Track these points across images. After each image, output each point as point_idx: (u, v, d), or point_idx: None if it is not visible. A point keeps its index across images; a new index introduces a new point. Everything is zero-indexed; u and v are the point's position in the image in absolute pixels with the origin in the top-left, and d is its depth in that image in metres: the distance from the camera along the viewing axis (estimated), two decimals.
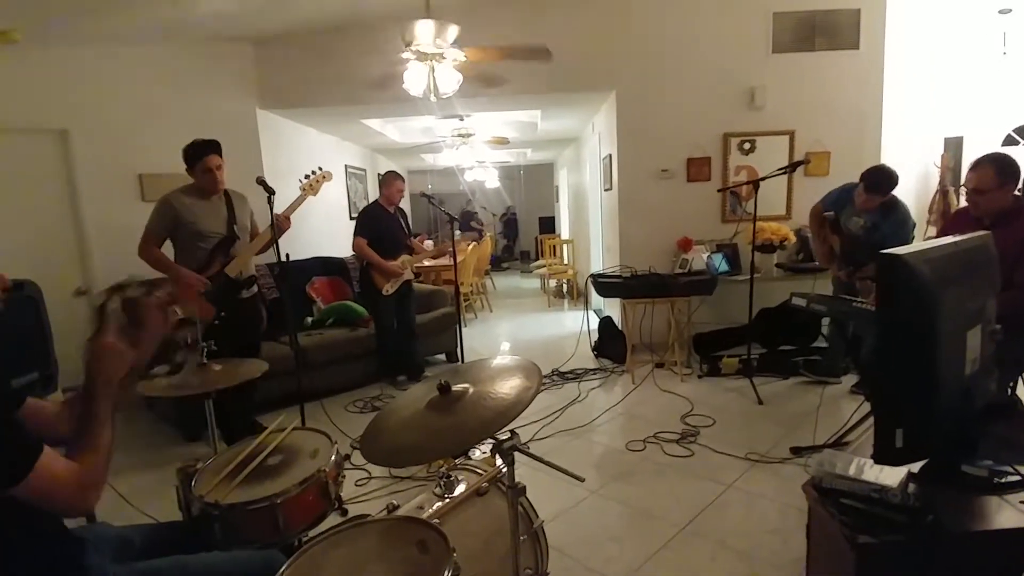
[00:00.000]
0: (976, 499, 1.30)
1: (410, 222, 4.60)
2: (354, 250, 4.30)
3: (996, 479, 1.32)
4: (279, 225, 3.16)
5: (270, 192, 2.99)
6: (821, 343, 4.43)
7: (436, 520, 1.41)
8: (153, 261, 3.21)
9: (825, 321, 4.12)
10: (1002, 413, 1.53)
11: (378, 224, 4.25)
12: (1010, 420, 1.51)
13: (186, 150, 3.20)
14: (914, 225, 3.73)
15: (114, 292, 1.26)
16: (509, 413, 1.31)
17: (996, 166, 2.49)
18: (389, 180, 4.46)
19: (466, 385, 1.46)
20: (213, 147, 3.21)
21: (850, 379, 4.08)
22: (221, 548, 1.51)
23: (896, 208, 3.58)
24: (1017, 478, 1.30)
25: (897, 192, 3.57)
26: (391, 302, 4.47)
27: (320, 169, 3.52)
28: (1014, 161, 2.54)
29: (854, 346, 3.38)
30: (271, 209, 3.01)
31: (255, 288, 3.47)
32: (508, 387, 1.42)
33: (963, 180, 3.55)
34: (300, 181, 3.45)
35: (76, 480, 1.06)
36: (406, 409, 1.50)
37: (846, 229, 3.75)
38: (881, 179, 3.47)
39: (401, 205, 4.68)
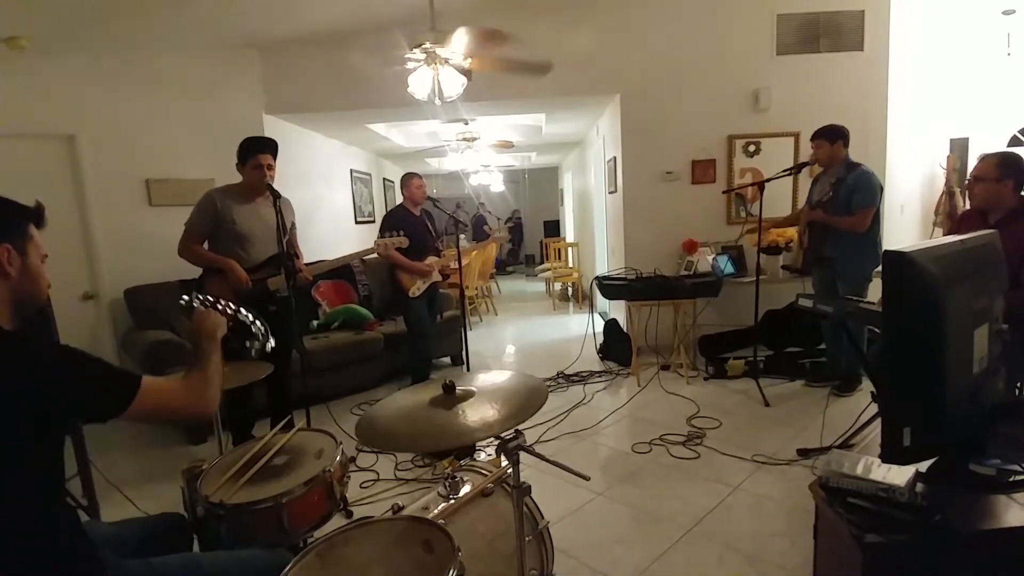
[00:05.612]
0: (984, 498, 1.29)
1: (437, 225, 4.55)
2: (379, 253, 4.26)
3: (1004, 478, 1.31)
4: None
5: (276, 196, 3.00)
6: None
7: (441, 520, 1.41)
8: (196, 258, 3.13)
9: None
10: (1010, 412, 1.52)
11: (402, 225, 4.21)
12: (1018, 419, 1.50)
13: (241, 145, 3.15)
14: (880, 186, 3.80)
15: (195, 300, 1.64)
16: (506, 424, 1.31)
17: (999, 158, 2.58)
18: (406, 181, 4.42)
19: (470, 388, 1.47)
20: (269, 145, 3.18)
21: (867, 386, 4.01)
22: (226, 547, 1.52)
23: (860, 165, 3.78)
24: None
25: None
26: (423, 306, 4.32)
27: (400, 233, 3.89)
28: (1021, 160, 2.56)
29: (854, 344, 3.35)
30: (277, 212, 3.01)
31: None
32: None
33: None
34: (378, 237, 3.92)
35: (183, 389, 1.29)
36: (408, 401, 1.51)
37: (816, 202, 3.90)
38: (821, 128, 3.83)
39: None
